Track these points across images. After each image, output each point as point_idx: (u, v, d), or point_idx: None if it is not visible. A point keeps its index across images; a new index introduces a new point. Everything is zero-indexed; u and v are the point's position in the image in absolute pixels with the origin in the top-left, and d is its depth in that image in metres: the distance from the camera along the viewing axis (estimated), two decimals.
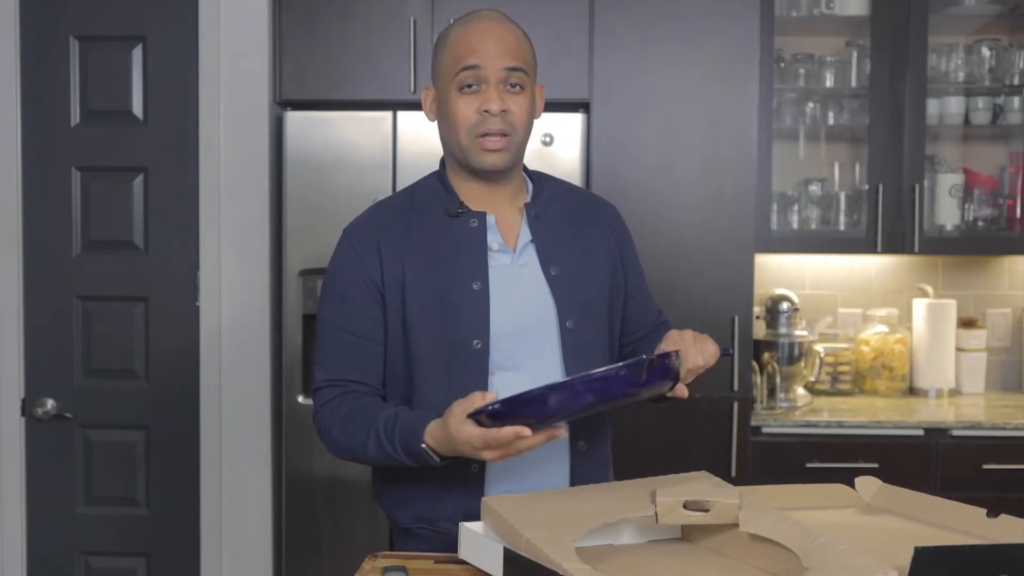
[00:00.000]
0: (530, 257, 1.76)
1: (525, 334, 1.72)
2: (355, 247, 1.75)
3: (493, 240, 1.74)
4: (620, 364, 1.48)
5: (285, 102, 3.03)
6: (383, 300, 1.73)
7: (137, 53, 3.01)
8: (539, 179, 1.85)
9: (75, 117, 3.03)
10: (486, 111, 1.69)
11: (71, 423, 3.05)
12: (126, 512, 3.08)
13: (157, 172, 3.03)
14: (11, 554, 3.05)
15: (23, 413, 3.04)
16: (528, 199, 1.81)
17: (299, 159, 2.96)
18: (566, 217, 1.82)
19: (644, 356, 1.50)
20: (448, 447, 1.55)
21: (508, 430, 1.46)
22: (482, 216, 1.75)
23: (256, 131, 3.00)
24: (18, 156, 3.00)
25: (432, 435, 1.57)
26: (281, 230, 3.00)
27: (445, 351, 1.70)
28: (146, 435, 3.07)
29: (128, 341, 3.05)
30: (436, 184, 1.80)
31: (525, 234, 1.77)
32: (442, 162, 1.83)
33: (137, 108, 3.02)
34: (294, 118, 2.97)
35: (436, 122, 1.80)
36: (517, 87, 1.71)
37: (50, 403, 3.02)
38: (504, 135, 1.71)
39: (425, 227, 1.75)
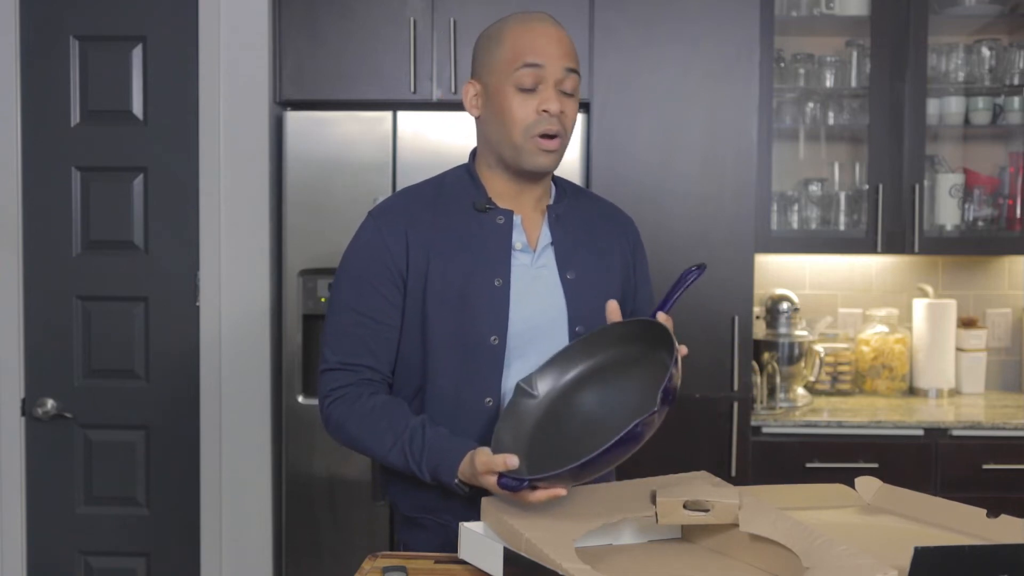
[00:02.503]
0: (548, 259, 1.76)
1: (536, 334, 1.73)
2: (382, 232, 1.73)
3: (517, 239, 1.75)
4: (611, 442, 1.41)
5: (285, 102, 3.03)
6: (404, 288, 1.72)
7: (137, 53, 3.01)
8: (561, 183, 1.86)
9: (75, 117, 3.03)
10: (545, 111, 1.67)
11: (71, 423, 3.05)
12: (126, 512, 3.08)
13: (157, 172, 3.03)
14: (11, 554, 3.05)
15: (23, 413, 3.04)
16: (551, 202, 1.81)
17: (299, 159, 2.96)
18: (585, 223, 1.82)
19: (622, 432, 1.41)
20: (473, 481, 1.57)
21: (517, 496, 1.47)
22: (508, 214, 1.75)
23: (256, 131, 3.00)
24: (18, 156, 3.00)
25: (462, 471, 1.59)
26: (281, 230, 3.00)
27: (462, 344, 1.71)
28: (146, 435, 3.07)
29: (128, 341, 3.05)
30: (465, 177, 1.79)
31: (546, 235, 1.77)
32: (472, 155, 1.82)
33: (137, 108, 3.02)
34: (294, 118, 2.97)
35: (478, 118, 1.76)
36: (570, 90, 1.71)
37: (50, 403, 3.02)
38: (558, 136, 1.70)
39: (451, 219, 1.74)
